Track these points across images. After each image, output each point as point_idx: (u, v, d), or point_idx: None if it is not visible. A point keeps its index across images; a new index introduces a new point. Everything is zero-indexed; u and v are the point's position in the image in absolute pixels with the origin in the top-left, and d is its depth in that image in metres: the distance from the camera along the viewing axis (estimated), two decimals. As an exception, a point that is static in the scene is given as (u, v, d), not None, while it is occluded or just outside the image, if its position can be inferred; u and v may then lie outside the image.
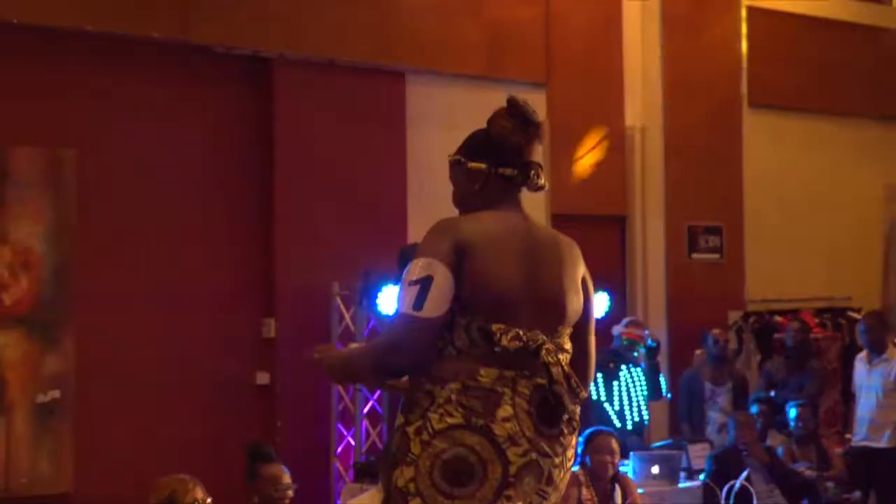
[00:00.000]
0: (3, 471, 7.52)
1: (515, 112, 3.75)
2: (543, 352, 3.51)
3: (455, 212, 3.83)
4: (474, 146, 3.78)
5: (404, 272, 3.56)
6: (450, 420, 3.48)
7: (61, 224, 7.79)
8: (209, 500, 5.70)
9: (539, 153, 3.77)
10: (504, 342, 3.50)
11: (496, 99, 11.18)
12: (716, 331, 10.16)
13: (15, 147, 7.68)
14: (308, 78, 8.80)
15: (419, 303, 3.47)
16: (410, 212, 9.21)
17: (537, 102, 10.26)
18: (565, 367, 3.55)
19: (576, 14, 10.48)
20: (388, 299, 8.22)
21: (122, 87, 8.15)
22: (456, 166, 3.80)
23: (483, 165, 3.73)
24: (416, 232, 9.08)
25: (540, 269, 3.64)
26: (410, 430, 3.51)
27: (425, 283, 3.48)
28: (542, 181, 3.77)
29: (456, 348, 3.54)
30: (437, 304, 3.47)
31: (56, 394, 7.70)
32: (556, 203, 10.19)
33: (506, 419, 3.49)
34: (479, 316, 3.53)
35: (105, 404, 7.77)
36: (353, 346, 3.80)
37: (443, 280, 3.49)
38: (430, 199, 9.32)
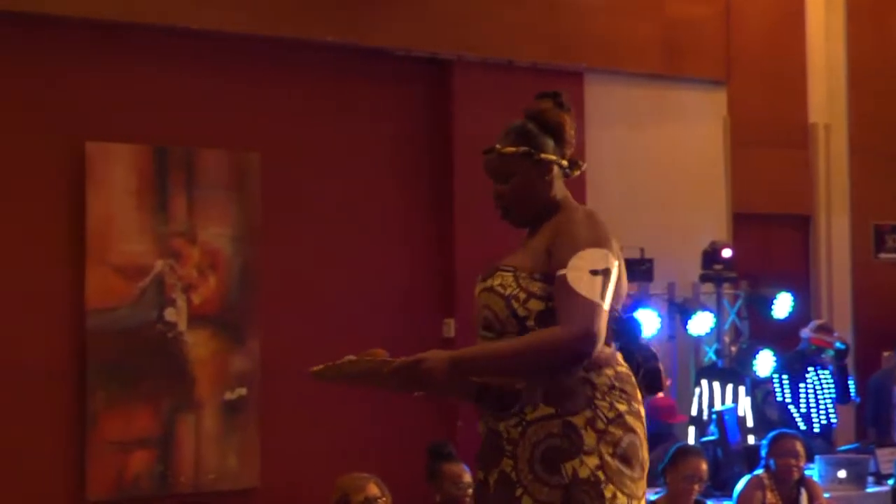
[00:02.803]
0: (192, 466, 7.71)
1: (564, 105, 3.79)
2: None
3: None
4: (535, 137, 3.75)
5: (576, 256, 3.51)
6: (620, 407, 3.56)
7: (247, 225, 7.96)
8: (383, 498, 5.76)
9: None
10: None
11: (675, 97, 11.17)
12: None
13: (202, 150, 7.87)
14: (486, 79, 8.82)
15: (604, 293, 3.49)
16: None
17: (717, 100, 10.35)
18: None
19: (757, 9, 10.33)
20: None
21: (303, 91, 8.29)
22: (521, 158, 3.73)
23: (554, 157, 3.75)
24: (595, 232, 9.03)
25: None
26: (578, 420, 3.51)
27: (606, 275, 3.52)
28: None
29: (604, 341, 3.59)
30: (611, 294, 3.54)
31: (243, 391, 7.87)
32: (738, 202, 10.07)
33: (640, 399, 3.66)
34: (617, 307, 3.65)
35: (290, 402, 7.90)
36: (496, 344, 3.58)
37: (614, 274, 3.55)
38: (608, 197, 9.27)
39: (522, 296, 3.59)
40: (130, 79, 7.70)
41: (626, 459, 3.55)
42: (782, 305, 9.35)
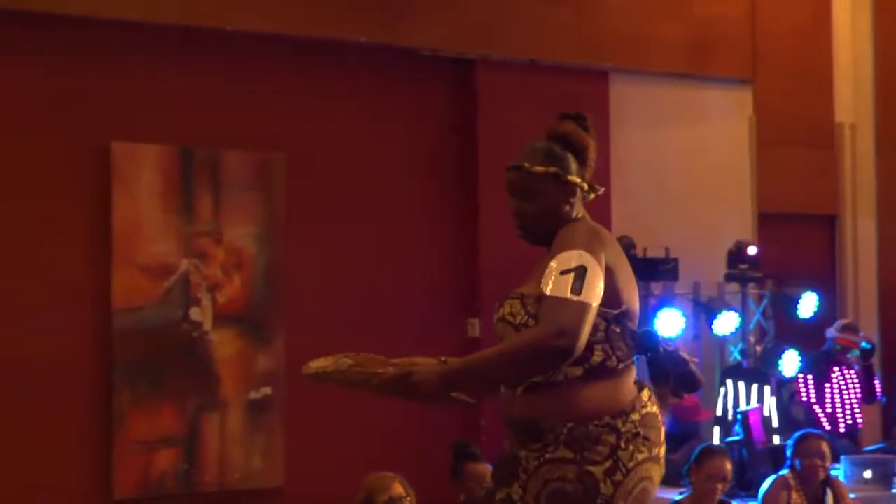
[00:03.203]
0: (217, 465, 7.74)
1: (587, 126, 3.78)
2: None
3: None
4: (563, 159, 3.73)
5: (552, 263, 3.52)
6: (640, 456, 3.56)
7: (272, 225, 7.98)
8: (408, 498, 5.77)
9: None
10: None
11: (701, 96, 11.09)
12: None
13: (227, 150, 7.90)
14: (511, 79, 8.82)
15: (577, 288, 3.44)
16: (614, 211, 9.16)
17: (743, 99, 10.30)
18: None
19: (783, 8, 10.29)
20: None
21: (328, 91, 8.30)
22: (550, 179, 3.71)
23: (579, 180, 3.75)
24: (619, 231, 9.02)
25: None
26: (597, 470, 3.51)
27: (579, 272, 3.47)
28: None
29: (617, 358, 3.59)
30: (593, 291, 3.46)
31: (267, 391, 7.89)
32: (764, 202, 10.04)
33: (663, 442, 3.66)
34: (628, 323, 3.62)
35: (314, 401, 7.89)
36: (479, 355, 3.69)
37: (595, 271, 3.49)
38: (632, 198, 9.26)
39: (532, 323, 3.57)
40: (156, 79, 7.73)
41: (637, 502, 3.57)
42: (808, 305, 9.32)
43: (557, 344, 3.41)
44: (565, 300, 3.42)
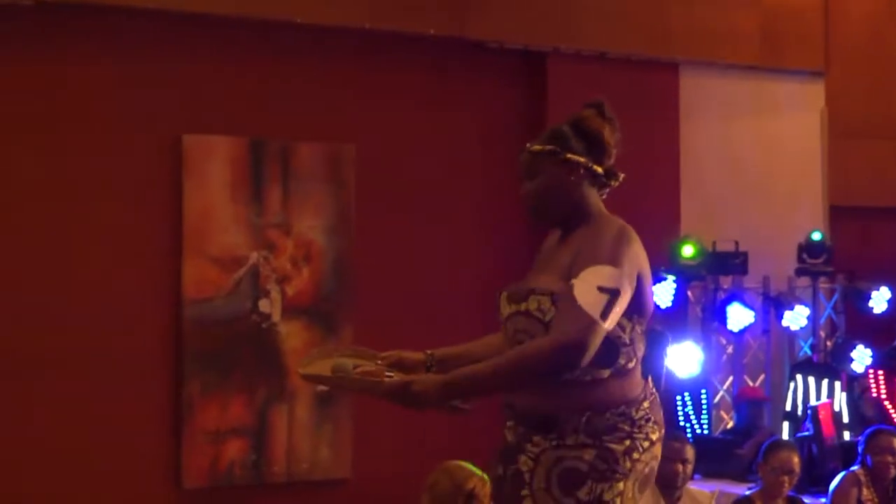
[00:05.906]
0: (285, 456, 7.79)
1: (607, 115, 3.79)
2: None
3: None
4: (565, 138, 3.77)
5: (588, 270, 3.51)
6: (653, 437, 3.63)
7: (341, 217, 8.01)
8: (487, 485, 5.76)
9: None
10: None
11: (772, 88, 10.96)
12: None
13: (297, 142, 7.94)
14: (581, 71, 8.78)
15: (606, 313, 3.47)
16: (683, 204, 9.12)
17: (815, 91, 10.17)
18: None
19: (857, -1, 10.20)
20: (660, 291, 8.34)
21: (398, 83, 8.33)
22: (547, 156, 3.77)
23: (583, 159, 3.74)
24: (689, 225, 8.98)
25: None
26: (618, 448, 3.54)
27: (614, 296, 3.49)
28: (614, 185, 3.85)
29: (637, 358, 3.64)
30: (614, 319, 3.52)
31: (336, 382, 7.92)
32: (836, 195, 9.94)
33: (663, 421, 3.71)
34: (644, 322, 3.66)
35: (382, 393, 7.94)
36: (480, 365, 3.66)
37: (625, 299, 3.53)
38: (703, 191, 9.21)
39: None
40: (227, 71, 7.78)
41: (644, 484, 3.64)
42: (880, 300, 9.22)
43: (568, 358, 3.45)
44: (592, 320, 3.45)
